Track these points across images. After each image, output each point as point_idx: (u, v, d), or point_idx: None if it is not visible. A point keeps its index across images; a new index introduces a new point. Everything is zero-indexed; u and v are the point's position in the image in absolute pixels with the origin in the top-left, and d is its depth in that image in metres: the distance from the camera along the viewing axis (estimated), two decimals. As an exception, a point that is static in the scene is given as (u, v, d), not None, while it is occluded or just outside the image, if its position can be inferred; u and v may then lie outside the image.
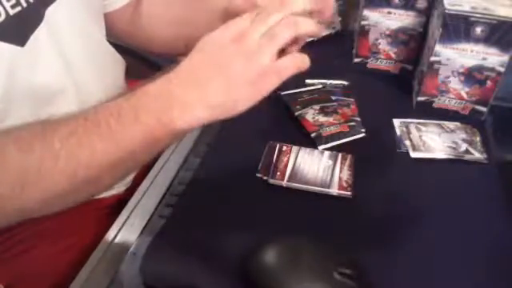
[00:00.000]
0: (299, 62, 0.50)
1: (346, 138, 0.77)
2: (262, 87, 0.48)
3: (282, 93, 0.86)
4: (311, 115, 0.80)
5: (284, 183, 0.68)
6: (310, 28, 0.50)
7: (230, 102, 0.49)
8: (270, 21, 0.49)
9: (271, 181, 0.69)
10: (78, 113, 0.51)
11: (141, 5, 0.80)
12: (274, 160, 0.72)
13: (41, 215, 0.53)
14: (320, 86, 0.88)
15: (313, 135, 0.76)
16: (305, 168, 0.70)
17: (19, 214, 0.52)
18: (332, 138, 0.76)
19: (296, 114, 0.81)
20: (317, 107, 0.82)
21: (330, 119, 0.79)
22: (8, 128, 0.51)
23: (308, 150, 0.74)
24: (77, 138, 0.48)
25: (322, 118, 0.80)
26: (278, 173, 0.69)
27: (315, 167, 0.70)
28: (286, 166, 0.71)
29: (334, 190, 0.67)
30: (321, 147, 0.75)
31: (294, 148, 0.74)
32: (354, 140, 0.77)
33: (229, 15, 0.66)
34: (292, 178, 0.69)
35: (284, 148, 0.74)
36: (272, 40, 0.48)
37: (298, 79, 0.89)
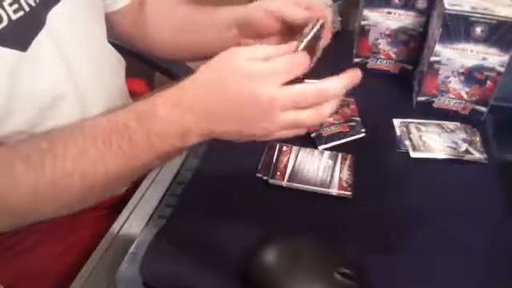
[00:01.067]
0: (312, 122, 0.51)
1: (346, 138, 0.77)
2: (268, 136, 0.51)
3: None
4: None
5: (284, 183, 0.68)
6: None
7: (234, 137, 0.52)
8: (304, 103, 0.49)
9: (271, 181, 0.69)
10: (84, 128, 0.52)
11: (144, 9, 0.80)
12: (274, 160, 0.72)
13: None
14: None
15: (313, 135, 0.76)
16: (305, 168, 0.70)
17: (31, 220, 0.55)
18: (332, 138, 0.76)
19: None
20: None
21: (330, 119, 0.79)
22: (14, 145, 0.53)
23: (308, 150, 0.74)
24: (89, 160, 0.50)
25: None
26: (278, 173, 0.69)
27: (315, 167, 0.70)
28: (285, 166, 0.71)
29: (334, 190, 0.67)
30: (321, 147, 0.75)
31: (294, 148, 0.74)
32: (354, 140, 0.77)
33: (247, 26, 0.67)
34: (292, 178, 0.69)
35: (284, 148, 0.74)
36: (294, 128, 0.50)
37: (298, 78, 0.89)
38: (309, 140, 0.76)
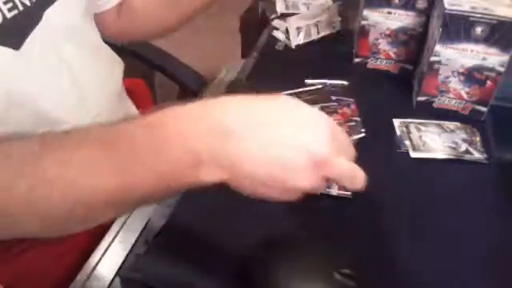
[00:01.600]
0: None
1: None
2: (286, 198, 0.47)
3: (283, 93, 0.85)
4: None
5: None
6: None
7: (256, 192, 0.46)
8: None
9: None
10: (80, 136, 0.44)
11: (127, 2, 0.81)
12: None
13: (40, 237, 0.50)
14: (320, 86, 0.88)
15: None
16: None
17: (12, 234, 0.49)
18: None
19: None
20: (317, 107, 0.82)
21: (331, 118, 0.79)
22: (3, 141, 0.46)
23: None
24: (76, 169, 0.42)
25: None
26: None
27: None
28: None
29: (334, 190, 0.67)
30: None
31: None
32: (354, 140, 0.77)
33: None
34: None
35: None
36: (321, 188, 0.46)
37: (297, 79, 0.90)
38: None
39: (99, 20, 0.77)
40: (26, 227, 0.46)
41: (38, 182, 0.42)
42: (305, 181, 0.43)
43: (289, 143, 0.42)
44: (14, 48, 0.57)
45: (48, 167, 0.42)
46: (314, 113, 0.45)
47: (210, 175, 0.42)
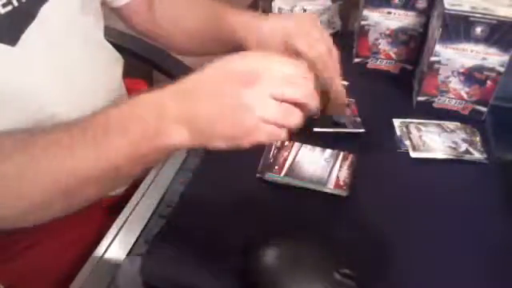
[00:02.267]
0: (283, 137, 0.48)
1: (345, 129, 0.78)
2: (244, 138, 0.47)
3: None
4: None
5: (281, 177, 0.68)
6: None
7: (211, 132, 0.47)
8: (291, 94, 0.47)
9: (268, 174, 0.68)
10: (69, 121, 0.50)
11: (154, 10, 0.81)
12: (274, 154, 0.72)
13: (24, 226, 0.52)
14: (346, 83, 0.89)
15: (314, 117, 0.77)
16: (304, 164, 0.70)
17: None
18: (330, 125, 0.77)
19: None
20: None
21: None
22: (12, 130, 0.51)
23: (309, 146, 0.74)
24: (60, 147, 0.47)
25: None
26: (276, 167, 0.69)
27: (314, 164, 0.71)
28: (285, 160, 0.71)
29: (329, 187, 0.67)
30: (316, 129, 0.76)
31: (296, 144, 0.74)
32: (354, 139, 0.77)
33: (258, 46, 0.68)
34: (289, 172, 0.69)
35: (286, 143, 0.74)
36: (281, 116, 0.47)
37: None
38: (311, 137, 0.76)
39: (125, 14, 0.78)
40: (11, 213, 0.50)
41: (25, 163, 0.47)
42: (246, 98, 0.46)
43: (228, 76, 0.47)
44: (9, 44, 0.57)
45: (34, 149, 0.47)
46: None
47: (174, 134, 0.47)
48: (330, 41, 0.66)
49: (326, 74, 0.65)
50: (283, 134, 0.48)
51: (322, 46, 0.65)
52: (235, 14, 0.73)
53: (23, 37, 0.58)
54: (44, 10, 0.60)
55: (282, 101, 0.46)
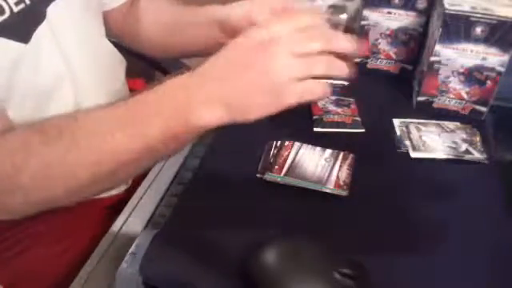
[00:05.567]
0: (319, 91, 0.49)
1: (345, 128, 0.78)
2: (279, 102, 0.48)
3: None
4: (323, 102, 0.82)
5: (280, 176, 0.68)
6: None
7: (246, 105, 0.48)
8: (309, 45, 0.48)
9: (268, 174, 0.68)
10: (103, 107, 0.52)
11: (135, 8, 0.81)
12: (274, 154, 0.72)
13: (65, 204, 0.56)
14: (346, 83, 0.89)
15: (314, 117, 0.77)
16: (304, 164, 0.70)
17: (44, 203, 0.54)
18: (331, 124, 0.78)
19: None
20: (333, 98, 0.84)
21: (339, 110, 0.80)
22: (33, 122, 0.53)
23: (310, 146, 0.74)
24: (99, 133, 0.50)
25: (331, 107, 0.81)
26: (276, 166, 0.69)
27: (314, 164, 0.71)
28: (285, 160, 0.71)
29: (329, 187, 0.67)
30: (316, 129, 0.76)
31: (296, 144, 0.74)
32: (354, 139, 0.77)
33: (225, 30, 0.68)
34: (289, 172, 0.69)
35: (286, 143, 0.74)
36: (306, 67, 0.48)
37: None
38: (312, 137, 0.76)
39: (108, 18, 0.78)
40: (58, 196, 0.54)
41: (69, 149, 0.50)
42: (268, 64, 0.47)
43: (247, 52, 0.49)
44: (22, 42, 0.57)
45: (77, 137, 0.50)
46: None
47: (206, 115, 0.48)
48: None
49: None
50: (321, 87, 0.49)
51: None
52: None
53: (35, 35, 0.58)
54: (50, 10, 0.61)
55: (306, 55, 0.47)
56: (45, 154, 0.51)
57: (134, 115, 0.50)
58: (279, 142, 0.74)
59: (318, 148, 0.74)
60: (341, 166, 0.70)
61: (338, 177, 0.69)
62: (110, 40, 0.76)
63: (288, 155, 0.72)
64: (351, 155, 0.72)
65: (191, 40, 0.76)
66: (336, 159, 0.72)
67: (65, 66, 0.64)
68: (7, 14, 0.55)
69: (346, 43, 0.49)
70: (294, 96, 0.47)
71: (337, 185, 0.67)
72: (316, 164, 0.71)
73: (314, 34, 0.48)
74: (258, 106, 0.48)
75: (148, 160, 0.54)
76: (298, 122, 0.76)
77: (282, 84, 0.47)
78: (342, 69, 0.49)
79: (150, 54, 0.88)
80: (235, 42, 0.49)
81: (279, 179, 0.68)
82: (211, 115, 0.48)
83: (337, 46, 0.49)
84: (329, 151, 0.73)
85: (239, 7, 0.66)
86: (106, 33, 0.75)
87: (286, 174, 0.69)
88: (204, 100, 0.48)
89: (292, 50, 0.47)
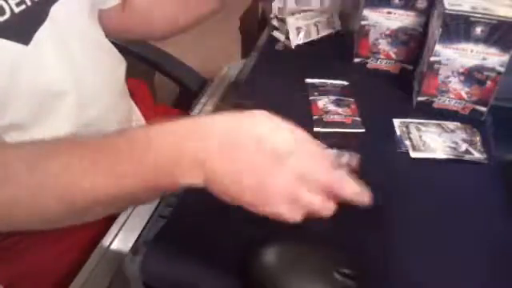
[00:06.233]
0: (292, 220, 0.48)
1: (345, 129, 0.78)
2: (260, 205, 0.47)
3: (307, 80, 0.88)
4: (323, 102, 0.82)
5: None
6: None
7: (230, 191, 0.47)
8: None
9: None
10: (89, 137, 0.49)
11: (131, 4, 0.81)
12: None
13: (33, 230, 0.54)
14: (346, 83, 0.89)
15: (314, 117, 0.77)
16: None
17: (6, 228, 0.52)
18: (331, 124, 0.77)
19: (310, 98, 0.84)
20: (333, 98, 0.84)
21: (339, 110, 0.80)
22: (19, 143, 0.51)
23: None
24: (80, 167, 0.46)
25: (331, 107, 0.82)
26: None
27: None
28: None
29: None
30: (316, 129, 0.76)
31: None
32: (355, 140, 0.77)
33: None
34: None
35: None
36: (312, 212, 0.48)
37: (297, 79, 0.89)
38: (316, 132, 0.76)
39: (104, 16, 0.78)
40: (28, 226, 0.51)
41: (44, 179, 0.47)
42: (276, 180, 0.45)
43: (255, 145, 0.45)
44: (23, 43, 0.57)
45: (54, 166, 0.47)
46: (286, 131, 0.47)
47: (188, 177, 0.45)
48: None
49: None
50: (299, 217, 0.48)
51: None
52: None
53: (36, 36, 0.58)
54: (53, 11, 0.61)
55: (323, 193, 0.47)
56: (21, 180, 0.47)
57: (119, 163, 0.46)
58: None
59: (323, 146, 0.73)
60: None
61: None
62: (110, 41, 0.76)
63: None
64: (354, 154, 0.72)
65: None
66: (339, 159, 0.71)
67: (67, 67, 0.64)
68: (8, 14, 0.55)
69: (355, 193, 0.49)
70: (268, 211, 0.46)
71: None
72: None
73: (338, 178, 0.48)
74: (235, 198, 0.47)
75: (125, 204, 0.53)
76: (298, 122, 0.76)
77: (272, 194, 0.45)
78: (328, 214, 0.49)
79: (158, 33, 0.87)
80: (250, 127, 0.46)
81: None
82: (194, 179, 0.46)
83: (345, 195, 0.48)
84: (333, 152, 0.73)
85: None
86: (106, 32, 0.76)
87: None
88: (191, 164, 0.45)
89: (304, 180, 0.45)
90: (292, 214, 0.47)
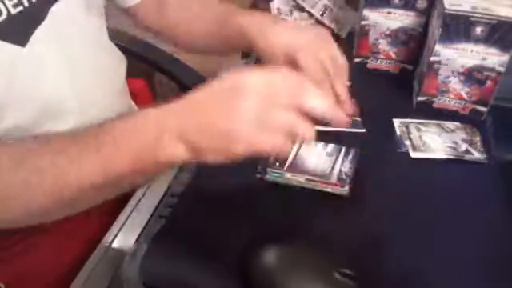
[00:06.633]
0: (269, 149, 0.46)
1: (345, 129, 0.78)
2: (229, 148, 0.46)
3: None
4: None
5: (281, 173, 0.68)
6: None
7: (200, 146, 0.46)
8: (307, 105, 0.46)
9: (269, 170, 0.69)
10: (73, 131, 0.51)
11: (165, 9, 0.81)
12: None
13: (21, 226, 0.54)
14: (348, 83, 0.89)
15: None
16: (306, 159, 0.70)
17: (5, 224, 0.53)
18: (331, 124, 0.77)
19: None
20: None
21: None
22: (5, 142, 0.52)
23: (312, 141, 0.74)
24: (67, 159, 0.48)
25: None
26: (278, 163, 0.69)
27: (317, 158, 0.71)
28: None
29: (332, 182, 0.67)
30: (316, 128, 0.76)
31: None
32: (355, 139, 0.77)
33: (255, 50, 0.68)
34: (292, 167, 0.69)
35: None
36: (290, 135, 0.46)
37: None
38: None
39: (135, 12, 0.79)
40: (17, 217, 0.52)
41: (33, 172, 0.48)
42: (242, 109, 0.45)
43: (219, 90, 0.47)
44: (19, 45, 0.57)
45: (42, 159, 0.48)
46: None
47: (172, 149, 0.46)
48: (340, 57, 0.65)
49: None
50: (287, 146, 0.46)
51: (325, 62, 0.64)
52: (245, 15, 0.72)
53: (32, 38, 0.58)
54: (53, 11, 0.60)
55: (294, 112, 0.45)
56: (5, 177, 0.48)
57: (102, 148, 0.47)
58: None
59: (321, 143, 0.74)
60: (343, 161, 0.71)
61: (340, 171, 0.69)
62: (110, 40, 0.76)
63: (290, 150, 0.72)
64: (353, 149, 0.72)
65: (224, 48, 0.77)
66: (338, 154, 0.72)
67: (66, 68, 0.64)
68: (4, 16, 0.55)
69: (323, 106, 0.47)
70: (242, 146, 0.45)
71: (340, 179, 0.67)
72: (318, 158, 0.71)
73: (304, 94, 0.46)
74: (211, 149, 0.46)
75: (113, 191, 0.52)
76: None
77: (237, 131, 0.45)
78: (309, 134, 0.47)
79: (184, 49, 0.87)
80: (216, 81, 0.47)
81: (280, 179, 0.68)
82: (176, 153, 0.47)
83: (309, 108, 0.47)
84: (331, 146, 0.73)
85: (281, 38, 0.66)
86: (110, 34, 0.76)
87: (287, 169, 0.69)
88: (171, 137, 0.46)
89: (262, 103, 0.45)
90: (273, 140, 0.45)
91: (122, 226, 0.66)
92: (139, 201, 0.69)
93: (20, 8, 0.57)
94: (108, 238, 0.64)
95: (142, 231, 0.64)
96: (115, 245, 0.63)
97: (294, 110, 0.46)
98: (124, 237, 0.64)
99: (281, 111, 0.45)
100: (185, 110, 0.47)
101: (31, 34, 0.58)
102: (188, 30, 0.81)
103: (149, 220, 0.65)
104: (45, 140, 0.50)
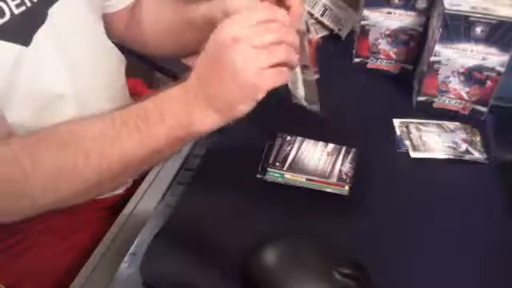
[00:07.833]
0: (285, 75, 0.52)
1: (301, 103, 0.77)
2: (256, 91, 0.50)
3: None
4: None
5: (282, 172, 0.68)
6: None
7: (229, 104, 0.51)
8: (266, 37, 0.50)
9: (269, 170, 0.69)
10: (107, 114, 0.54)
11: (136, 12, 0.81)
12: (277, 149, 0.72)
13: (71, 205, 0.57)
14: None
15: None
16: (306, 158, 0.70)
17: (51, 206, 0.55)
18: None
19: None
20: None
21: None
22: (35, 129, 0.54)
23: (312, 141, 0.74)
24: (107, 138, 0.52)
25: None
26: (278, 163, 0.69)
27: (317, 158, 0.71)
28: (287, 154, 0.71)
29: (332, 181, 0.67)
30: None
31: (298, 139, 0.74)
32: (354, 138, 0.77)
33: (206, 23, 0.68)
34: (292, 167, 0.69)
35: (288, 138, 0.74)
36: (267, 56, 0.50)
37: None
38: (315, 132, 0.76)
39: (111, 20, 0.78)
40: (66, 197, 0.55)
41: (78, 154, 0.52)
42: (236, 60, 0.49)
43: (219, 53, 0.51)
44: (23, 45, 0.57)
45: (85, 141, 0.52)
46: None
47: (204, 121, 0.52)
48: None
49: None
50: (286, 72, 0.51)
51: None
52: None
53: (35, 37, 0.58)
54: (53, 11, 0.61)
55: (265, 46, 0.50)
56: (53, 159, 0.52)
57: (139, 122, 0.52)
58: (281, 138, 0.74)
59: (321, 143, 0.74)
60: (343, 160, 0.71)
61: (340, 170, 0.69)
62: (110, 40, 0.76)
63: (290, 150, 0.72)
64: (353, 149, 0.72)
65: (191, 40, 0.76)
66: (338, 154, 0.72)
67: (66, 67, 0.64)
68: (7, 16, 0.55)
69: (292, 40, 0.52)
70: (266, 83, 0.50)
71: (340, 179, 0.67)
72: (319, 158, 0.71)
73: (271, 28, 0.51)
74: (239, 101, 0.51)
75: (153, 161, 0.57)
76: (298, 120, 0.76)
77: (252, 75, 0.49)
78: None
79: (153, 54, 0.89)
80: (210, 41, 0.52)
81: (280, 178, 0.68)
82: (207, 121, 0.52)
83: (289, 40, 0.51)
84: (331, 145, 0.73)
85: (218, 5, 0.68)
86: (107, 35, 0.75)
87: (288, 169, 0.69)
88: (198, 107, 0.51)
89: (252, 44, 0.49)
90: (275, 57, 0.50)
91: (122, 226, 0.66)
92: (139, 201, 0.69)
93: (23, 8, 0.57)
94: (108, 238, 0.64)
95: (142, 231, 0.64)
96: (115, 245, 0.63)
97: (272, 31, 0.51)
98: (124, 237, 0.64)
99: (266, 35, 0.50)
100: (202, 79, 0.52)
101: (34, 33, 0.58)
102: (152, 28, 0.82)
103: (149, 220, 0.65)
104: (83, 124, 0.54)
